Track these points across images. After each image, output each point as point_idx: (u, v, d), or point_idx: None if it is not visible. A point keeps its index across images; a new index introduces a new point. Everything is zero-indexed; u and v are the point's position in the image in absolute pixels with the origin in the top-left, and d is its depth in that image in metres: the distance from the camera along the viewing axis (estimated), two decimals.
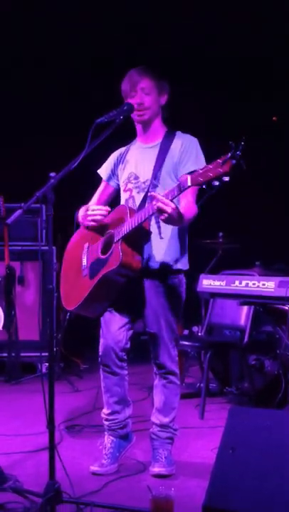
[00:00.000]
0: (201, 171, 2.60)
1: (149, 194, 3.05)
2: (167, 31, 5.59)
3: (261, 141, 5.91)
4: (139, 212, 2.97)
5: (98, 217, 3.15)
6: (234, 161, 2.52)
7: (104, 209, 3.17)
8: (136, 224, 2.95)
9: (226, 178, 2.56)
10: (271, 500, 2.32)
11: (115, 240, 3.03)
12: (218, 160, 2.55)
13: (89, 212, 3.17)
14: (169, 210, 2.74)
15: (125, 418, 3.27)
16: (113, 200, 3.40)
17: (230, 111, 6.05)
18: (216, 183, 2.57)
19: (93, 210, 3.18)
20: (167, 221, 2.82)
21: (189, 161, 3.11)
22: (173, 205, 2.76)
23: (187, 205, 3.05)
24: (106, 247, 3.12)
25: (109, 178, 3.39)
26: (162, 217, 2.79)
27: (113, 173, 3.38)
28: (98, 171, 3.43)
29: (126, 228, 2.98)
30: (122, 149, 3.37)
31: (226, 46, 5.72)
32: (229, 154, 2.52)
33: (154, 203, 2.79)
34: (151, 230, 3.11)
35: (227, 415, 2.59)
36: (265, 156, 5.93)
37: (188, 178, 2.64)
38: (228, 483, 2.41)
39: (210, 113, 6.00)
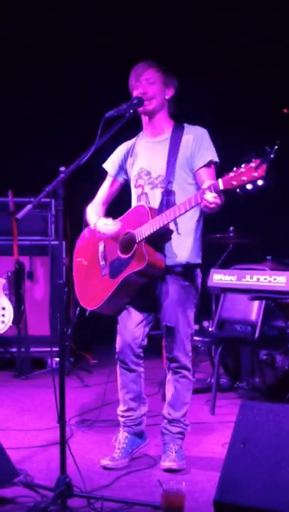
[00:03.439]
0: (233, 174, 2.59)
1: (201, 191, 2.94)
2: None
3: (273, 134, 5.88)
4: (166, 212, 2.96)
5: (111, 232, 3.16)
6: (267, 165, 2.54)
7: (115, 225, 3.17)
8: (161, 224, 2.95)
9: (260, 182, 2.57)
10: (282, 495, 2.31)
11: (138, 240, 3.03)
12: (251, 164, 2.56)
13: (102, 229, 3.18)
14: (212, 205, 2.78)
15: (140, 415, 3.26)
16: (118, 195, 3.38)
17: (241, 103, 6.02)
18: (250, 186, 2.58)
19: (106, 224, 3.18)
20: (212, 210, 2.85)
21: (204, 151, 3.10)
22: (214, 200, 2.76)
23: None
24: (126, 247, 3.11)
25: (117, 173, 3.34)
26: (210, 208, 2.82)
27: (121, 168, 3.33)
28: (104, 166, 3.37)
29: (150, 228, 2.98)
30: (129, 143, 3.32)
31: (235, 35, 5.70)
32: (263, 158, 2.54)
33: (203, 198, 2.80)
34: (170, 226, 3.09)
35: (238, 410, 2.58)
36: (278, 148, 5.88)
37: (220, 181, 2.63)
38: (239, 477, 2.41)
39: (217, 105, 5.98)
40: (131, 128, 3.22)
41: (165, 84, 3.17)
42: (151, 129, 3.24)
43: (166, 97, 3.18)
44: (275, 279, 3.69)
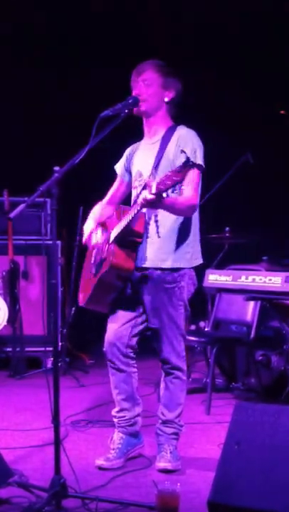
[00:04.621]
0: (163, 178, 2.64)
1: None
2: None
3: (269, 135, 5.89)
4: (126, 214, 3.00)
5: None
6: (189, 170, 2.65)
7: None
8: (124, 225, 2.99)
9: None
10: (276, 496, 2.31)
11: (110, 241, 3.09)
12: (177, 167, 2.63)
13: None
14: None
15: (134, 416, 3.25)
16: (128, 196, 3.39)
17: (239, 104, 6.02)
18: (176, 190, 2.65)
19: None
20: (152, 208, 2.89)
21: (184, 153, 3.02)
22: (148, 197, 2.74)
23: (183, 195, 3.00)
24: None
25: (123, 175, 3.37)
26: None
27: (127, 170, 3.35)
28: (115, 167, 3.41)
29: (117, 229, 3.03)
30: (135, 145, 3.35)
31: (234, 38, 5.70)
32: (183, 163, 2.61)
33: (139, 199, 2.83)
34: (150, 228, 3.10)
35: (232, 410, 2.58)
36: (274, 149, 5.90)
37: (154, 185, 2.65)
38: (233, 478, 2.40)
39: (215, 105, 5.98)
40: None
41: (164, 87, 3.14)
42: (148, 130, 3.24)
43: (165, 100, 3.15)
44: (270, 280, 3.68)
